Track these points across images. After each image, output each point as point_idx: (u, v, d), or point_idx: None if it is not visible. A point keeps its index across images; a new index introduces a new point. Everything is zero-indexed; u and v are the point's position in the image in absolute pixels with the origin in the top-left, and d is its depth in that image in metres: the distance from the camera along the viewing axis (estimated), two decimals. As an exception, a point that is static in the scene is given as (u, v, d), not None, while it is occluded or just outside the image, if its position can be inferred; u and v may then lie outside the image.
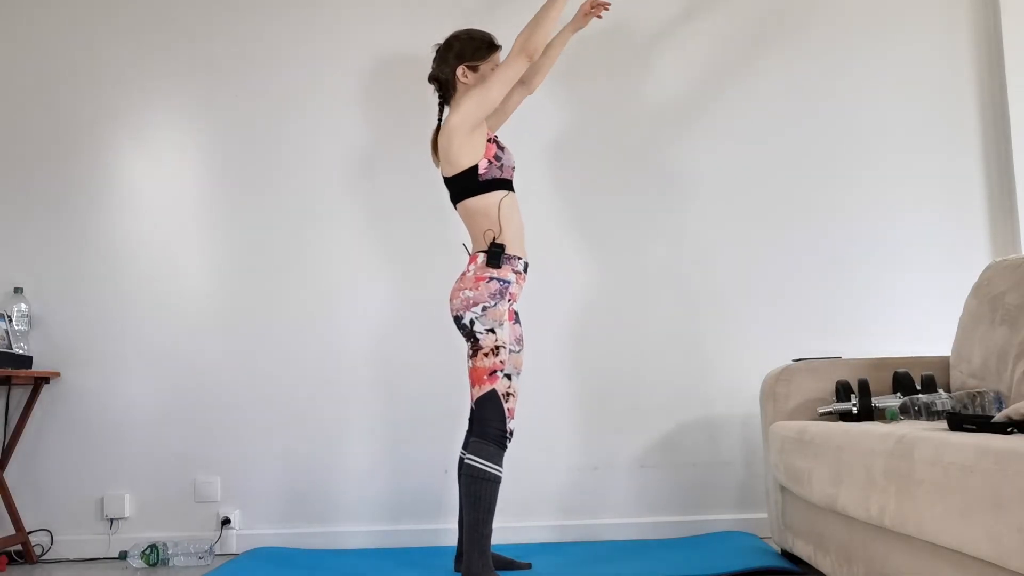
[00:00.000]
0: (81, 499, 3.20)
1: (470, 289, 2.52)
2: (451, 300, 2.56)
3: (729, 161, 3.33)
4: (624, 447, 3.24)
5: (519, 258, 2.59)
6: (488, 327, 2.49)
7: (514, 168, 2.67)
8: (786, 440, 2.35)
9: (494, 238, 2.56)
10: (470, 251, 2.66)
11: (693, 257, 3.30)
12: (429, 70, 2.72)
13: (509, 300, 2.55)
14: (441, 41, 2.69)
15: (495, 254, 2.54)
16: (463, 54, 2.63)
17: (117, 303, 3.27)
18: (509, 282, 2.55)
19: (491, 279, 2.52)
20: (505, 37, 2.71)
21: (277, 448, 3.22)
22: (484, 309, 2.50)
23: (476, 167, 2.56)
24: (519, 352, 2.68)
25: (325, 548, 3.14)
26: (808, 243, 3.31)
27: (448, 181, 2.63)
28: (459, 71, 2.62)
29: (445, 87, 2.68)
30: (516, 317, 2.71)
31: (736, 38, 3.37)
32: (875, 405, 2.35)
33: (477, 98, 2.51)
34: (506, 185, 2.60)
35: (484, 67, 2.64)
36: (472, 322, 2.50)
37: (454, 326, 2.68)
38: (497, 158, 2.59)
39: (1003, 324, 2.30)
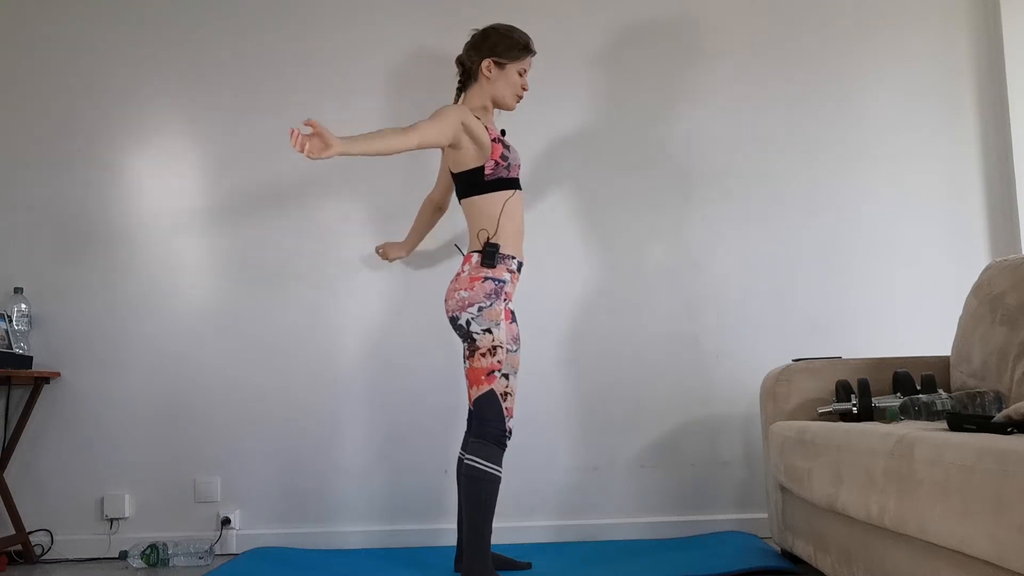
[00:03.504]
0: (81, 499, 3.20)
1: (465, 289, 2.51)
2: (446, 301, 2.56)
3: (729, 161, 3.33)
4: (624, 447, 3.24)
5: (513, 257, 2.59)
6: (484, 327, 2.49)
7: (519, 166, 2.67)
8: (786, 440, 2.35)
9: (488, 238, 2.56)
10: (462, 252, 2.66)
11: (693, 257, 3.30)
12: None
13: (505, 300, 2.55)
14: (480, 27, 2.70)
15: (490, 254, 2.53)
16: (496, 48, 2.64)
17: (117, 303, 3.27)
18: (504, 281, 2.55)
19: (486, 279, 2.52)
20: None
21: (277, 448, 3.22)
22: (480, 309, 2.50)
23: (482, 167, 2.56)
24: (516, 351, 2.68)
25: (325, 548, 3.14)
26: (808, 243, 3.31)
27: (454, 175, 2.64)
28: (485, 63, 2.64)
29: (467, 74, 2.69)
30: (512, 316, 2.71)
31: (736, 39, 3.37)
32: (875, 405, 2.34)
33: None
34: (512, 184, 2.61)
35: (511, 67, 2.65)
36: (468, 322, 2.50)
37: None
38: (504, 158, 2.59)
39: (1003, 324, 2.30)
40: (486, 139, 2.56)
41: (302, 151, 2.17)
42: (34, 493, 3.19)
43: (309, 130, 2.19)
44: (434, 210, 2.99)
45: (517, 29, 2.69)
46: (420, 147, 2.41)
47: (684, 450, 3.24)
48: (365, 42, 3.36)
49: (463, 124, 2.51)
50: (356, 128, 3.30)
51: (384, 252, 3.02)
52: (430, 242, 3.26)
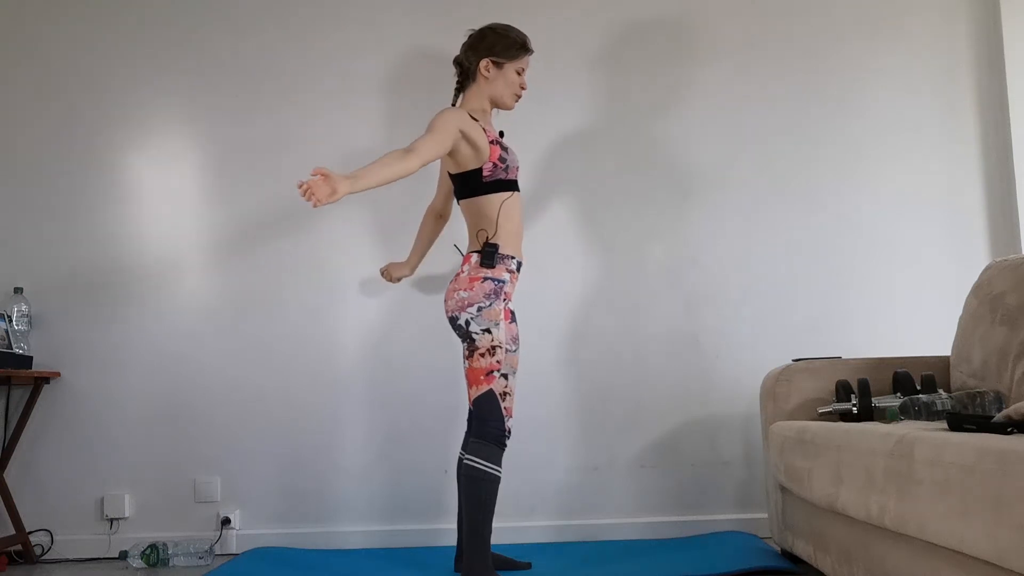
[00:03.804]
0: (81, 499, 3.21)
1: (465, 290, 2.51)
2: (446, 301, 2.56)
3: (729, 161, 3.33)
4: (624, 447, 3.24)
5: (512, 257, 2.59)
6: (484, 327, 2.49)
7: (518, 168, 2.67)
8: (786, 440, 2.35)
9: (487, 238, 2.56)
10: (462, 252, 2.66)
11: (693, 257, 3.30)
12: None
13: (504, 299, 2.55)
14: (477, 27, 2.70)
15: (489, 254, 2.53)
16: (494, 48, 2.63)
17: (117, 303, 3.27)
18: (504, 281, 2.55)
19: (486, 279, 2.52)
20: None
21: (277, 448, 3.22)
22: (479, 309, 2.50)
23: (480, 169, 2.56)
24: (515, 351, 2.68)
25: (325, 548, 3.14)
26: (808, 243, 3.31)
27: (452, 176, 2.64)
28: (483, 64, 2.63)
29: (465, 74, 2.69)
30: (512, 316, 2.71)
31: (736, 38, 3.37)
32: (875, 405, 2.34)
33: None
34: (510, 186, 2.60)
35: (509, 66, 2.65)
36: (468, 323, 2.50)
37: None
38: (502, 159, 2.58)
39: (1003, 324, 2.30)
40: (484, 143, 2.55)
41: (309, 200, 2.17)
42: (34, 493, 3.19)
43: (318, 178, 2.19)
44: (436, 219, 2.95)
45: (514, 28, 2.68)
46: (422, 166, 2.39)
47: (684, 450, 3.24)
48: (365, 42, 3.36)
49: (461, 131, 2.51)
50: (357, 128, 3.32)
51: (388, 273, 2.98)
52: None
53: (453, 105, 2.71)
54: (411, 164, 2.35)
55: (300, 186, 2.17)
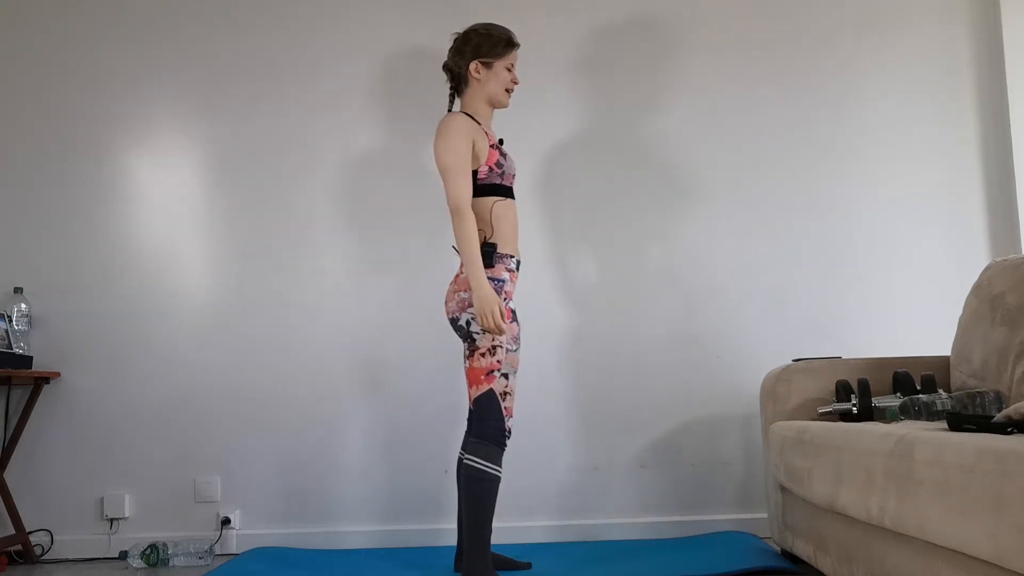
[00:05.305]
0: (81, 499, 3.20)
1: (465, 290, 2.51)
2: (446, 303, 2.56)
3: (729, 161, 3.33)
4: (624, 447, 3.24)
5: (511, 256, 2.59)
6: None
7: (515, 176, 2.66)
8: (786, 440, 2.35)
9: (485, 238, 2.56)
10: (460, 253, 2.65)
11: (693, 257, 3.30)
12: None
13: (505, 299, 2.55)
14: (460, 31, 2.69)
15: (487, 253, 2.53)
16: (479, 49, 2.63)
17: (117, 303, 3.27)
18: (503, 281, 2.55)
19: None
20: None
21: (277, 448, 3.22)
22: (481, 309, 2.49)
23: (476, 172, 2.56)
24: (516, 351, 2.68)
25: (325, 548, 3.15)
26: (808, 243, 3.31)
27: None
28: (472, 66, 2.63)
29: (457, 79, 2.68)
30: (513, 315, 2.71)
31: (735, 38, 3.37)
32: (875, 405, 2.35)
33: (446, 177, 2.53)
34: (504, 191, 2.60)
35: (498, 64, 2.64)
36: (468, 323, 2.50)
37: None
38: (499, 164, 2.58)
39: (1003, 324, 2.30)
40: (484, 146, 2.56)
41: (500, 330, 2.44)
42: (34, 493, 3.19)
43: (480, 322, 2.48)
44: None
45: (496, 25, 2.68)
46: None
47: (684, 450, 3.24)
48: (365, 42, 3.35)
49: (472, 142, 2.54)
50: (357, 128, 3.32)
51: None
52: (428, 243, 3.26)
53: (448, 110, 2.71)
54: (472, 215, 2.49)
55: (494, 339, 2.48)
